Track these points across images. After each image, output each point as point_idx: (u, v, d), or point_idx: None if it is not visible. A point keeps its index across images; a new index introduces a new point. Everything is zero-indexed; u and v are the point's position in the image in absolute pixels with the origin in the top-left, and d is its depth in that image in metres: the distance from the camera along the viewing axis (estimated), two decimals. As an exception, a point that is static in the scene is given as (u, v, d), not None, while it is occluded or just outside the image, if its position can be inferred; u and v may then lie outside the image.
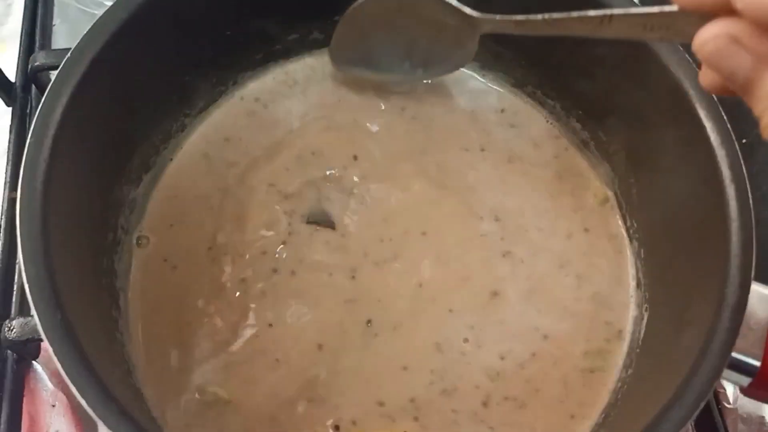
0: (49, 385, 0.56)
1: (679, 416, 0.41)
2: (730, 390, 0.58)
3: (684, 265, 0.50)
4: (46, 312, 0.40)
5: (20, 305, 0.57)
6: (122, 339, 0.51)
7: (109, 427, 0.38)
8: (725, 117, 0.48)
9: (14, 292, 0.57)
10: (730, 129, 0.48)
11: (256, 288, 0.54)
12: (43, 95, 0.46)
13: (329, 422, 0.50)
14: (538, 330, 0.54)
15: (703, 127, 0.48)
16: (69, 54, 0.47)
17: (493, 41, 0.60)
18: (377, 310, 0.54)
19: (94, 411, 0.38)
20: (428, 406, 0.51)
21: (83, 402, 0.38)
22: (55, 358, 0.39)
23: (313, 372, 0.52)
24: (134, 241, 0.55)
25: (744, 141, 0.49)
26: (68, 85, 0.46)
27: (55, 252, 0.42)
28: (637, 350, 0.53)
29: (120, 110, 0.52)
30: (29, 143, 0.44)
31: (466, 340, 0.53)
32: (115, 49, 0.48)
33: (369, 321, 0.53)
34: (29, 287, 0.40)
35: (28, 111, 0.64)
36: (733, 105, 0.50)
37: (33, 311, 0.40)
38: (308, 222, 0.56)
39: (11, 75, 0.65)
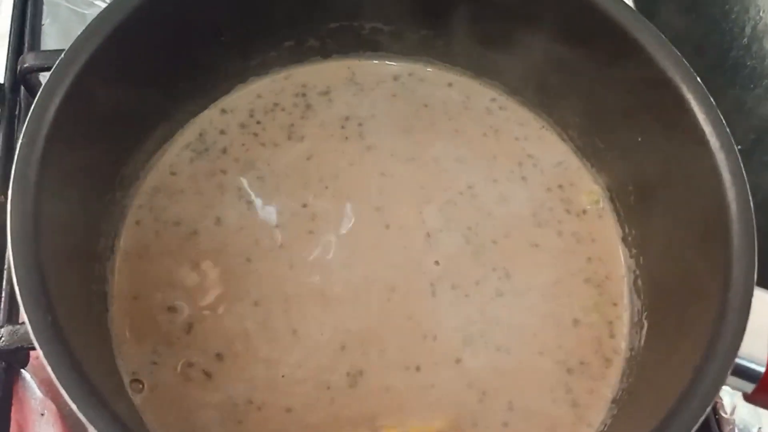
0: (38, 393, 0.54)
1: (683, 423, 0.40)
2: (727, 400, 0.58)
3: (684, 271, 0.50)
4: (36, 313, 0.39)
5: (9, 313, 0.55)
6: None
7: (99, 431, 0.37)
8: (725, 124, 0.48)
9: (2, 300, 0.56)
10: (730, 133, 0.48)
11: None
12: (32, 97, 0.45)
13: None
14: (536, 336, 0.53)
15: (702, 132, 0.48)
16: (63, 54, 0.46)
17: (487, 49, 0.60)
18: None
19: (84, 415, 0.37)
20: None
21: (73, 406, 0.37)
22: (44, 361, 0.38)
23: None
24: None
25: (739, 148, 0.49)
26: (62, 85, 0.45)
27: (46, 255, 0.42)
28: (638, 358, 0.52)
29: (114, 113, 0.51)
30: (21, 143, 0.43)
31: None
32: (109, 51, 0.48)
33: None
34: (19, 289, 0.39)
35: (16, 113, 0.62)
36: (729, 111, 0.50)
37: (22, 313, 0.39)
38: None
39: (0, 76, 0.64)
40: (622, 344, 0.54)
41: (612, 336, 0.54)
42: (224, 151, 0.59)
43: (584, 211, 0.59)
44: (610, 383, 0.52)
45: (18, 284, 0.40)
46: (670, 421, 0.41)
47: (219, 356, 0.51)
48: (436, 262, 0.55)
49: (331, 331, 0.52)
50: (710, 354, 0.42)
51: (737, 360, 0.42)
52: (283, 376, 0.51)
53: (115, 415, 0.38)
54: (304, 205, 0.57)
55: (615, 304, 0.55)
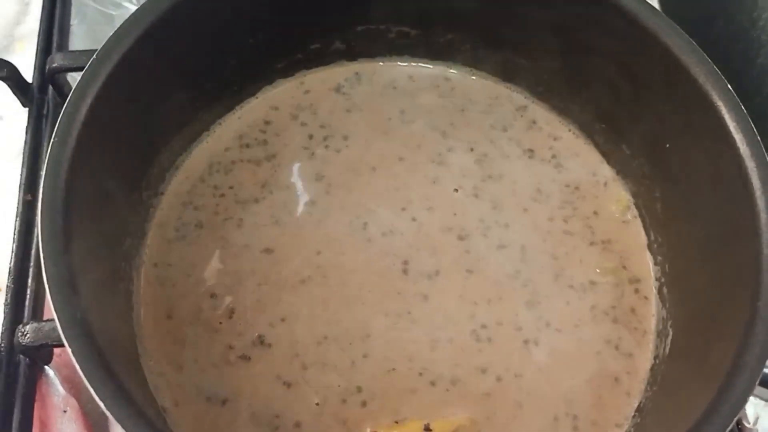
0: (61, 390, 0.55)
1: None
2: (751, 410, 0.57)
3: (711, 279, 0.50)
4: (66, 311, 0.39)
5: (33, 310, 0.56)
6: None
7: (126, 429, 0.37)
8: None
9: (27, 297, 0.56)
10: (760, 141, 0.47)
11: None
12: (59, 96, 0.46)
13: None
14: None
15: (732, 139, 0.47)
16: (95, 54, 0.47)
17: (513, 53, 0.60)
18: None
19: (110, 411, 0.37)
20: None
21: (101, 403, 0.37)
22: (72, 358, 0.38)
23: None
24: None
25: (768, 156, 0.49)
26: (94, 85, 0.46)
27: (76, 252, 0.42)
28: (663, 367, 0.52)
29: (143, 114, 0.52)
30: (53, 143, 0.44)
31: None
32: (140, 51, 0.48)
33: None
34: (49, 287, 0.40)
35: (44, 112, 0.63)
36: (754, 120, 0.49)
37: (52, 309, 0.39)
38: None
39: (28, 75, 0.64)
40: (647, 353, 0.54)
41: (637, 344, 0.54)
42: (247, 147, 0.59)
43: (612, 218, 0.58)
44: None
45: (48, 281, 0.40)
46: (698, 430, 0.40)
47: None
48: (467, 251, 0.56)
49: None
50: (738, 364, 0.42)
51: (766, 370, 0.42)
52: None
53: (141, 412, 0.39)
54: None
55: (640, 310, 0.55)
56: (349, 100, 0.62)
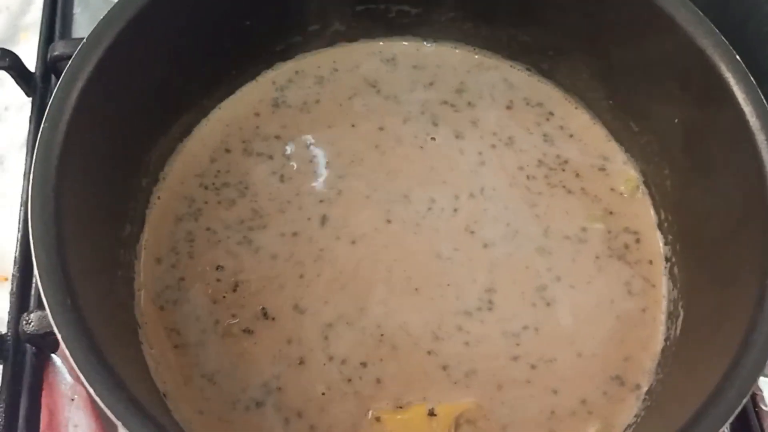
0: (68, 378, 0.55)
1: (719, 414, 0.39)
2: (767, 392, 0.55)
3: (721, 257, 0.48)
4: (55, 297, 0.39)
5: (39, 299, 0.56)
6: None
7: (117, 416, 0.36)
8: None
9: (33, 286, 0.57)
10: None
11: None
12: (62, 84, 0.45)
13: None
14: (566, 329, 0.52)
15: (742, 112, 0.46)
16: (85, 39, 0.46)
17: (518, 30, 0.59)
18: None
19: (99, 397, 0.37)
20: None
21: (90, 389, 0.37)
22: (63, 344, 0.38)
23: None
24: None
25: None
26: (84, 70, 0.46)
27: (69, 239, 0.42)
28: (673, 348, 0.51)
29: (138, 99, 0.51)
30: (43, 128, 0.44)
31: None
32: (131, 36, 0.48)
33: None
34: (39, 272, 0.39)
35: (48, 101, 0.63)
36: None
37: (42, 297, 0.39)
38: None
39: (32, 65, 0.64)
40: (658, 335, 0.52)
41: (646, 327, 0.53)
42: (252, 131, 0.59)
43: (622, 196, 0.57)
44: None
45: (38, 267, 0.40)
46: (706, 411, 0.39)
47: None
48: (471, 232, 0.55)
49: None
50: (748, 342, 0.41)
51: (776, 349, 0.40)
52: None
53: (134, 400, 0.38)
54: (341, 176, 0.57)
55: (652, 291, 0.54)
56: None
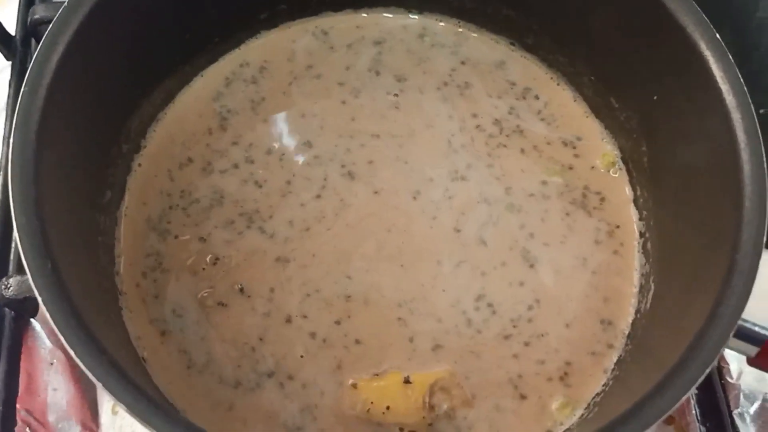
0: (48, 343, 0.55)
1: (683, 383, 0.40)
2: (734, 366, 0.57)
3: (694, 233, 0.49)
4: (36, 260, 0.39)
5: (18, 263, 0.56)
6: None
7: (98, 378, 0.37)
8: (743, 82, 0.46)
9: (12, 250, 0.57)
10: (747, 93, 0.46)
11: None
12: (42, 47, 0.45)
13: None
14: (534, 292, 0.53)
15: (719, 90, 0.46)
16: (66, 2, 0.46)
17: (503, 4, 0.59)
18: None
19: (80, 359, 0.37)
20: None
21: (71, 351, 0.37)
22: (43, 307, 0.38)
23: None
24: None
25: (761, 111, 0.48)
26: (65, 33, 0.45)
27: (49, 203, 0.42)
28: (643, 321, 0.52)
29: (119, 65, 0.51)
30: (23, 92, 0.43)
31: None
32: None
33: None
34: (19, 236, 0.40)
35: (27, 65, 0.62)
36: (751, 74, 0.48)
37: (23, 259, 0.39)
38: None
39: (12, 29, 0.64)
40: (628, 308, 0.53)
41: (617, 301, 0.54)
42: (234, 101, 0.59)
43: (598, 172, 0.58)
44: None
45: (18, 230, 0.40)
46: (670, 380, 0.40)
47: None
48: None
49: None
50: (714, 315, 0.41)
51: (742, 323, 0.42)
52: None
53: (115, 363, 0.39)
54: (316, 156, 0.57)
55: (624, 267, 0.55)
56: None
